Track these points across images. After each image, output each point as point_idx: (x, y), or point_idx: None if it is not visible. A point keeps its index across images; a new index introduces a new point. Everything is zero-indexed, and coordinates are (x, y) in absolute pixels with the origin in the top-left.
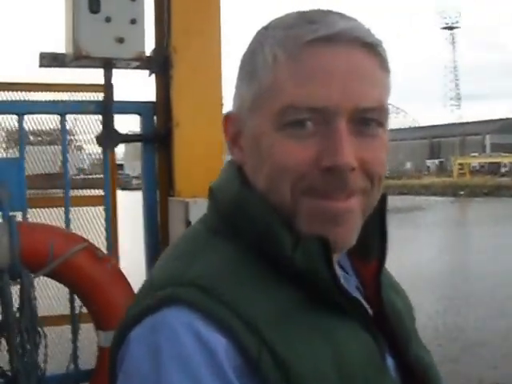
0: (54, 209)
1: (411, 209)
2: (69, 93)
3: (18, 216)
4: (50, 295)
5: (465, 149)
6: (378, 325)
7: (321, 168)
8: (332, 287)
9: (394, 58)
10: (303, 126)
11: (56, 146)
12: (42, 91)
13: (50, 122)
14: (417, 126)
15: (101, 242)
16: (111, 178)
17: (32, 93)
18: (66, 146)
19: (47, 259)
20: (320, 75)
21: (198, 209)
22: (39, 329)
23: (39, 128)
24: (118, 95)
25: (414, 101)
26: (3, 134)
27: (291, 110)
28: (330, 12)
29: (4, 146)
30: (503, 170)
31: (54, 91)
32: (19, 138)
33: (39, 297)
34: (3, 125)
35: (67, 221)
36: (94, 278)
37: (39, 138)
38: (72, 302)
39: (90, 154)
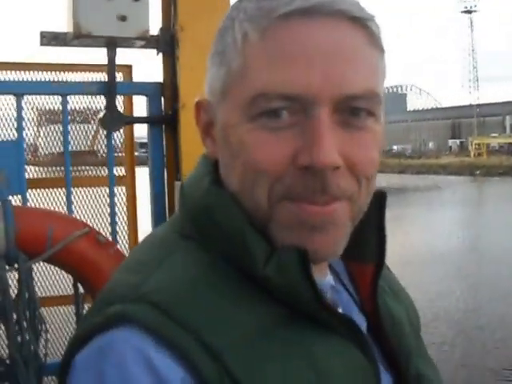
0: (81, 189)
1: (428, 188)
2: (72, 73)
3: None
4: (51, 281)
5: (485, 129)
6: (374, 336)
7: (298, 167)
8: (314, 304)
9: (417, 42)
10: (278, 116)
11: (88, 125)
12: (43, 71)
13: (81, 101)
14: (439, 106)
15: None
16: (129, 158)
17: (33, 72)
18: (67, 127)
19: (45, 244)
20: (296, 57)
21: None
22: (39, 314)
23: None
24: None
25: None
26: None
27: (263, 98)
28: None
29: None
30: None
31: (55, 71)
32: (18, 118)
33: (39, 282)
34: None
35: (69, 204)
36: (95, 264)
37: (70, 117)
38: (75, 288)
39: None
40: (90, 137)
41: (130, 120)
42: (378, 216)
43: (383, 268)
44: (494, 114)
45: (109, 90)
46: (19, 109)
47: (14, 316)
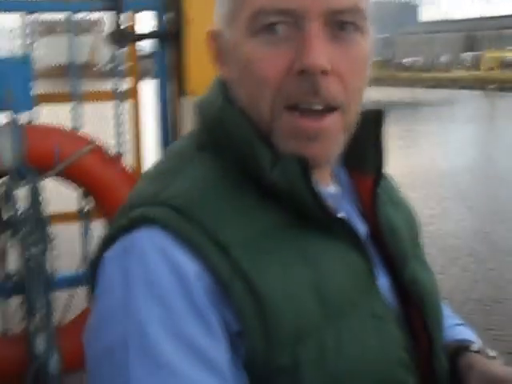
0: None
1: (439, 103)
2: None
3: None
4: (59, 198)
5: (502, 42)
6: (374, 242)
7: (293, 73)
8: (313, 206)
9: None
10: (275, 31)
11: (86, 37)
12: None
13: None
14: (451, 19)
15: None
16: (133, 73)
17: None
18: (74, 46)
19: (54, 161)
20: None
21: None
22: (48, 230)
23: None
24: None
25: None
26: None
27: (262, 14)
28: None
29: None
30: None
31: None
32: (25, 36)
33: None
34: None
35: (77, 119)
36: (102, 178)
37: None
38: (85, 201)
39: None
40: (89, 48)
41: (138, 37)
42: (376, 132)
43: (381, 179)
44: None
45: (115, 6)
46: (27, 26)
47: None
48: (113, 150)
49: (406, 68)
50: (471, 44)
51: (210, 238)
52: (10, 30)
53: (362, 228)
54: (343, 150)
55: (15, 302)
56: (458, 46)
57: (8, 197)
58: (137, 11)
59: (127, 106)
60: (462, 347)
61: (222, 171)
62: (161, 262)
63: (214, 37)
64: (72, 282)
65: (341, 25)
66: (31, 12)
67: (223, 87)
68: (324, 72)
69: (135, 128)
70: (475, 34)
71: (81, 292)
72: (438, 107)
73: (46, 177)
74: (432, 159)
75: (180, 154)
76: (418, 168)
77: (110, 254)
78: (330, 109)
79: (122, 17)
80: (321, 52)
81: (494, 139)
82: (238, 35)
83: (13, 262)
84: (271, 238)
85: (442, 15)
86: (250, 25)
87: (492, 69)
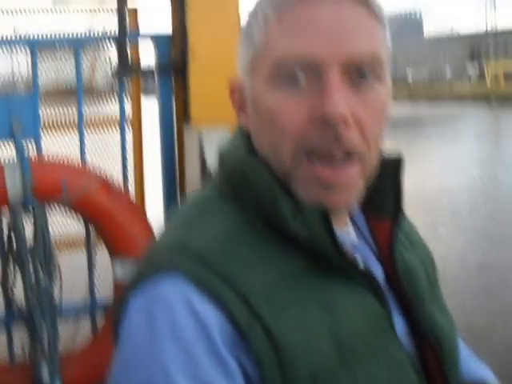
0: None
1: (441, 117)
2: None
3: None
4: (65, 227)
5: (507, 56)
6: (390, 285)
7: (314, 121)
8: (335, 256)
9: None
10: (296, 82)
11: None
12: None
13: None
14: (456, 33)
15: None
16: (136, 104)
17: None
18: (80, 78)
19: (60, 194)
20: (307, 27)
21: (211, 137)
22: (54, 260)
23: None
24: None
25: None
26: None
27: (281, 64)
28: None
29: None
30: None
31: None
32: (33, 73)
33: (53, 230)
34: None
35: (82, 150)
36: (108, 211)
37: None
38: (88, 234)
39: None
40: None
41: (141, 70)
42: (395, 177)
43: (399, 224)
44: None
45: (120, 40)
46: (35, 63)
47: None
48: (117, 180)
49: (409, 83)
50: (476, 55)
51: (230, 287)
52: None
53: (378, 271)
54: (362, 195)
55: (21, 330)
56: (462, 58)
57: (16, 228)
58: (142, 44)
59: (131, 134)
60: None
61: (244, 221)
62: (184, 310)
63: (236, 87)
64: (77, 312)
65: (360, 73)
66: (40, 48)
67: (245, 137)
68: (345, 121)
69: (138, 157)
70: (480, 45)
71: (85, 321)
72: (441, 122)
73: (52, 209)
74: (429, 179)
75: (204, 204)
76: (413, 188)
77: (135, 301)
78: (349, 156)
79: (126, 50)
80: (341, 100)
81: (496, 157)
82: (259, 86)
83: (19, 291)
84: (291, 285)
85: (447, 29)
86: (271, 75)
87: (497, 81)
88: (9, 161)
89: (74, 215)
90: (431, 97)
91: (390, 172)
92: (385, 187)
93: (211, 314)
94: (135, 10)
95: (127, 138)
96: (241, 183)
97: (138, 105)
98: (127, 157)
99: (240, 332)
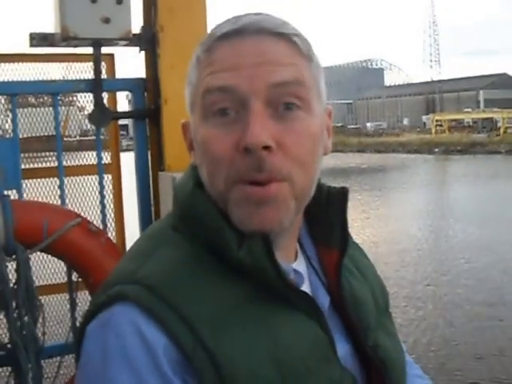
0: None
1: (388, 167)
2: (60, 63)
3: (14, 194)
4: (47, 269)
5: (460, 104)
6: (338, 311)
7: (239, 150)
8: (277, 282)
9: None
10: (225, 114)
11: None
12: (31, 61)
13: None
14: (410, 82)
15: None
16: (114, 149)
17: (23, 64)
18: (58, 124)
19: (42, 236)
20: (230, 62)
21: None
22: (36, 301)
23: None
24: (122, 72)
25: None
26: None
27: (207, 93)
28: (252, 13)
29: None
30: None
31: (45, 61)
32: (12, 118)
33: (36, 271)
34: None
35: (62, 194)
36: (88, 252)
37: (41, 100)
38: (69, 276)
39: None
40: (62, 120)
41: (116, 115)
42: (341, 209)
43: (345, 254)
44: (468, 88)
45: (95, 87)
46: (14, 108)
47: (14, 304)
48: (97, 224)
49: (355, 134)
50: (431, 106)
51: (177, 314)
52: None
53: (325, 299)
54: (311, 224)
55: (6, 371)
56: (419, 108)
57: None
58: (116, 91)
59: (106, 179)
60: None
61: (192, 252)
62: (133, 335)
63: (187, 127)
64: (61, 351)
65: (285, 105)
66: (15, 94)
67: (194, 173)
68: (266, 148)
69: (117, 201)
70: (434, 96)
71: (69, 360)
72: (388, 172)
73: (33, 251)
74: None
75: (156, 235)
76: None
77: (90, 327)
78: (276, 179)
79: (102, 96)
80: (261, 129)
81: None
82: (197, 120)
83: (5, 333)
84: (235, 312)
85: (402, 79)
86: (203, 109)
87: (441, 132)
88: None
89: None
90: (376, 147)
91: (335, 203)
92: (332, 218)
93: (158, 338)
94: (112, 55)
95: (106, 181)
96: (189, 216)
97: (116, 148)
98: (106, 199)
99: (185, 355)
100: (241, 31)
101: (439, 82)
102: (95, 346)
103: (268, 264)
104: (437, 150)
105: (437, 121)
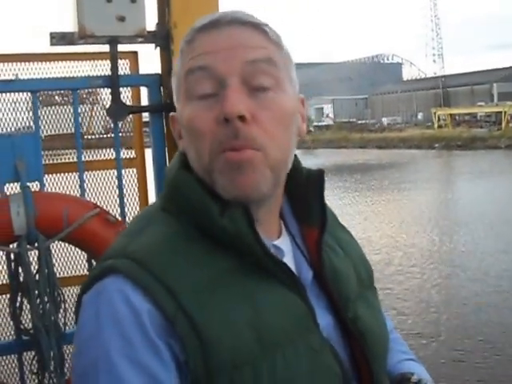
0: (91, 172)
1: (384, 164)
2: (80, 61)
3: (36, 186)
4: (67, 260)
5: (474, 97)
6: (320, 285)
7: (219, 122)
8: (257, 248)
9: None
10: (207, 97)
11: (83, 106)
12: (55, 61)
13: None
14: (424, 76)
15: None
16: (138, 142)
17: (45, 63)
18: (78, 119)
19: (62, 225)
20: (208, 48)
21: None
22: (58, 290)
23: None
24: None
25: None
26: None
27: (189, 74)
28: (230, 10)
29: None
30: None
31: (67, 60)
32: (34, 113)
33: (59, 260)
34: None
35: (82, 186)
36: (106, 241)
37: (65, 98)
38: (90, 265)
39: None
40: (87, 118)
41: (133, 110)
42: (319, 189)
43: (324, 232)
44: (482, 82)
45: (112, 82)
46: (35, 104)
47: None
48: (116, 215)
49: (360, 129)
50: (446, 100)
51: (161, 284)
52: (14, 102)
53: (307, 273)
54: (294, 204)
55: (29, 357)
56: (433, 102)
57: (21, 260)
58: (133, 86)
59: (131, 173)
60: (404, 379)
61: (179, 228)
62: (122, 303)
63: (175, 119)
64: None
65: (258, 87)
66: (37, 91)
67: (181, 157)
68: (242, 118)
69: (142, 196)
70: (448, 90)
71: None
72: (388, 169)
73: (54, 240)
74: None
75: (147, 215)
76: None
77: (86, 297)
78: (251, 146)
79: (119, 92)
80: (236, 100)
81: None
82: (182, 105)
83: (27, 320)
84: (217, 282)
85: (414, 73)
86: (186, 90)
87: (442, 126)
88: (13, 195)
89: (77, 248)
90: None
91: (314, 184)
92: (311, 198)
93: (144, 305)
94: (136, 53)
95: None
96: (176, 195)
97: (140, 143)
98: (126, 192)
99: (168, 320)
100: (216, 23)
101: (453, 75)
102: (90, 312)
103: (248, 230)
104: (437, 145)
105: (440, 116)
